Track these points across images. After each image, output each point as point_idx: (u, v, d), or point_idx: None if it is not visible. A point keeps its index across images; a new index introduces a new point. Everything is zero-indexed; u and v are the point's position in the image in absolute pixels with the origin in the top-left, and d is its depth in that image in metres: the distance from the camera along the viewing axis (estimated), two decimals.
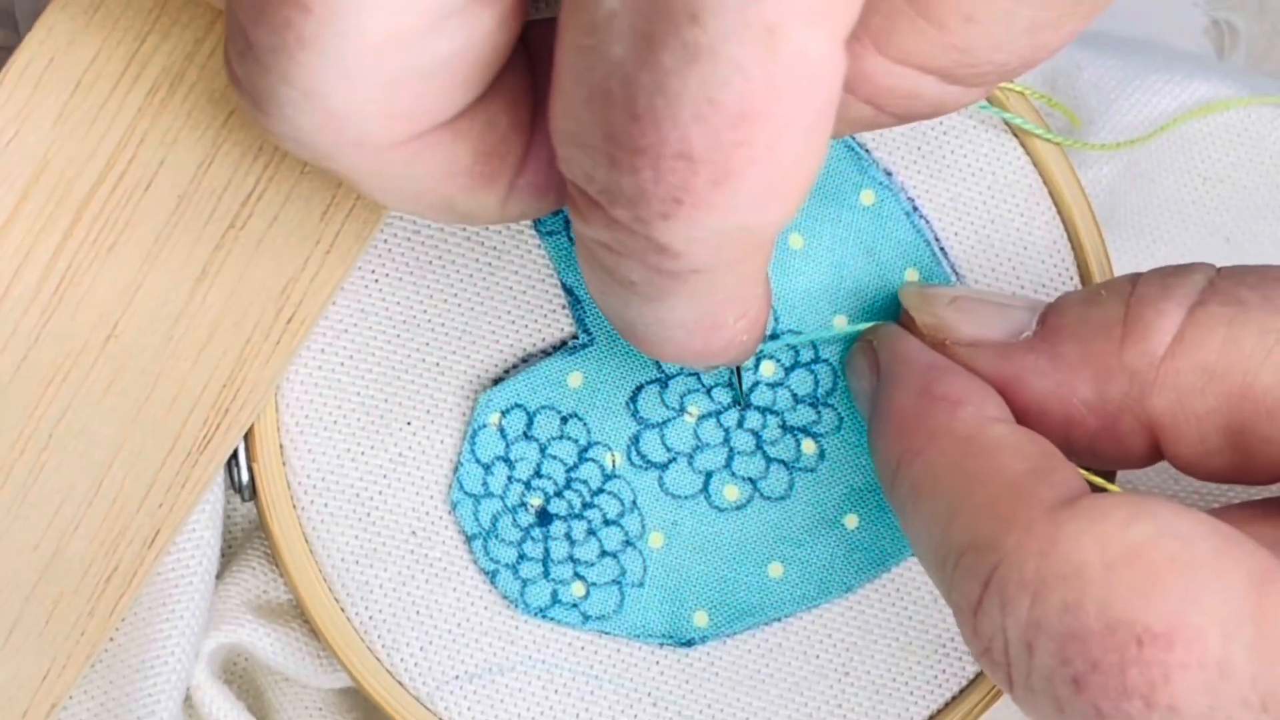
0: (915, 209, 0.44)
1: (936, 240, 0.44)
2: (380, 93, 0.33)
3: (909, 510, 0.38)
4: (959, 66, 0.36)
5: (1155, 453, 0.39)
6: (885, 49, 0.35)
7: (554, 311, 0.44)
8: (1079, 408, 0.39)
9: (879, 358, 0.41)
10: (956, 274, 0.44)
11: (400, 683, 0.43)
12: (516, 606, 0.43)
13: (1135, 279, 0.39)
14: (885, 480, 0.39)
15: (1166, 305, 0.38)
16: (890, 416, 0.39)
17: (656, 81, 0.31)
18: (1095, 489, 0.37)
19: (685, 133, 0.31)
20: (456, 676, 0.43)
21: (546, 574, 0.43)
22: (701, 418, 0.44)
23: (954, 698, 0.45)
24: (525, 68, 0.36)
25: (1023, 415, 0.39)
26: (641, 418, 0.44)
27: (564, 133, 0.33)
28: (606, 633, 0.44)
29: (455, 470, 0.43)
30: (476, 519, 0.43)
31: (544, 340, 0.44)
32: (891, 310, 0.44)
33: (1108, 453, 0.39)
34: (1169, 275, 0.39)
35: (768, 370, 0.44)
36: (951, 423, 0.38)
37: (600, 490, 0.44)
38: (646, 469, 0.44)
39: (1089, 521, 0.34)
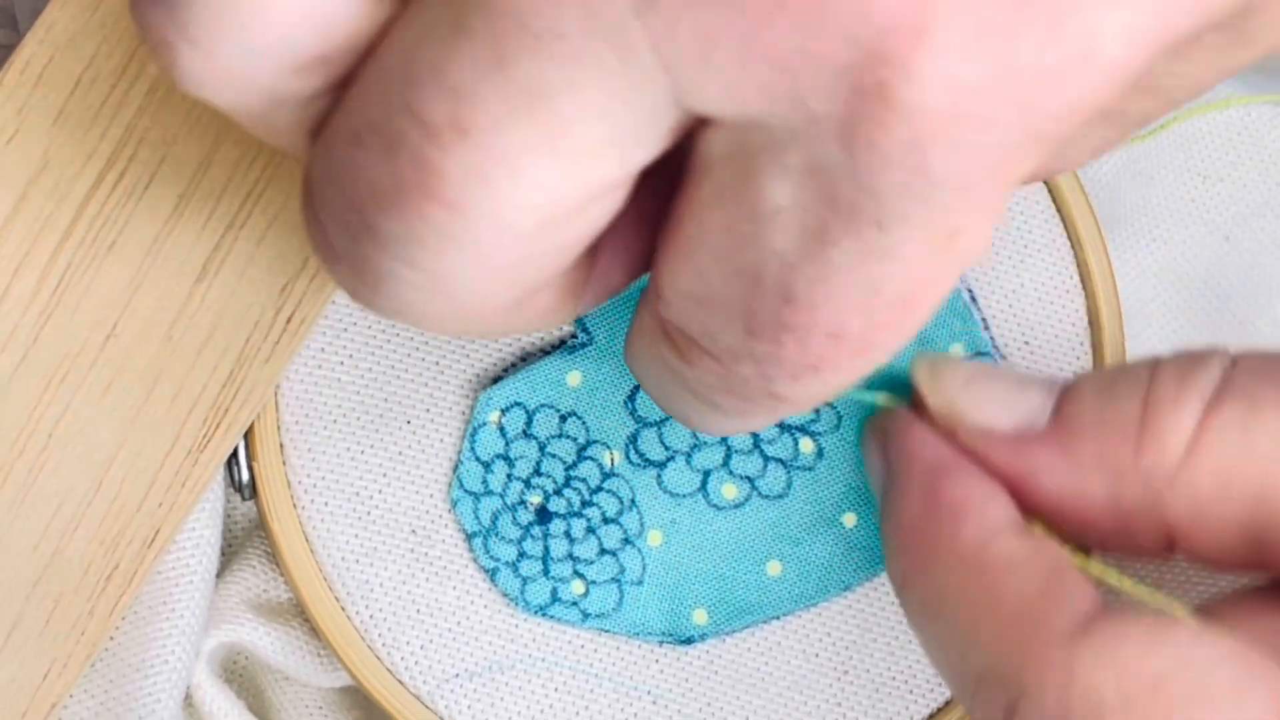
0: None
1: None
2: (510, 274, 0.32)
3: (918, 625, 0.38)
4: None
5: (1171, 550, 0.39)
6: None
7: None
8: (1093, 509, 0.38)
9: (887, 450, 0.41)
10: None
11: (400, 681, 0.43)
12: (516, 604, 0.44)
13: (1153, 368, 0.38)
14: (894, 587, 0.39)
15: (1182, 407, 0.37)
16: (896, 524, 0.39)
17: (821, 273, 0.30)
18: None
19: (842, 317, 0.31)
20: (457, 675, 0.44)
21: (546, 572, 0.44)
22: None
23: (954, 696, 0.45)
24: None
25: (1034, 510, 0.39)
26: (640, 416, 0.44)
27: (687, 294, 0.32)
28: (606, 630, 0.44)
29: (455, 468, 0.44)
30: (476, 517, 0.43)
31: (543, 339, 0.44)
32: None
33: (1121, 548, 0.39)
34: (1185, 368, 0.38)
35: None
36: (956, 536, 0.37)
37: (599, 488, 0.44)
38: (645, 467, 0.44)
39: (1105, 649, 0.34)
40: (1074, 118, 0.30)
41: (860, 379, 0.33)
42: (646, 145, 0.31)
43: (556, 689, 0.44)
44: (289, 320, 0.41)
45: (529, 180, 0.30)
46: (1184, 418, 0.37)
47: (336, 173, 0.31)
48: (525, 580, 0.43)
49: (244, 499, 0.43)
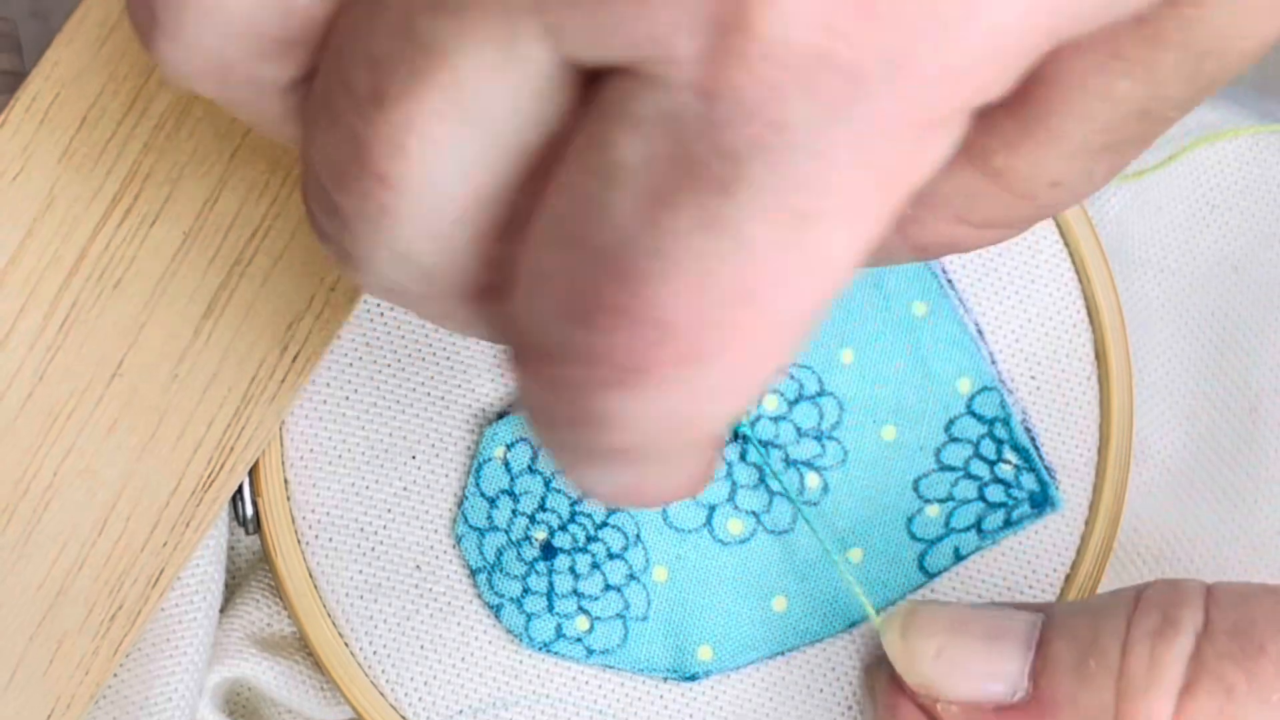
0: None
1: (943, 271, 0.44)
2: (474, 246, 0.30)
3: None
4: (1029, 220, 0.35)
5: None
6: (969, 218, 0.34)
7: None
8: None
9: (878, 716, 0.42)
10: (964, 306, 0.44)
11: (404, 717, 0.43)
12: (521, 641, 0.43)
13: (1125, 634, 0.39)
14: None
15: (1153, 695, 0.38)
16: None
17: (656, 244, 0.27)
18: None
19: (671, 300, 0.28)
20: (460, 711, 0.43)
21: (551, 608, 0.43)
22: None
23: None
24: None
25: None
26: None
27: (528, 272, 0.30)
28: (611, 667, 0.44)
29: (460, 504, 0.43)
30: (481, 553, 0.43)
31: None
32: (893, 343, 0.44)
33: None
34: (1158, 639, 0.39)
35: (770, 404, 0.44)
36: None
37: (604, 524, 0.44)
38: None
39: None
40: (955, 92, 0.27)
41: (707, 408, 0.29)
42: (556, 103, 0.29)
43: None
44: (295, 359, 0.41)
45: (444, 146, 0.29)
46: (1157, 711, 0.38)
47: (304, 154, 0.31)
48: (529, 616, 0.43)
49: (247, 533, 0.43)
